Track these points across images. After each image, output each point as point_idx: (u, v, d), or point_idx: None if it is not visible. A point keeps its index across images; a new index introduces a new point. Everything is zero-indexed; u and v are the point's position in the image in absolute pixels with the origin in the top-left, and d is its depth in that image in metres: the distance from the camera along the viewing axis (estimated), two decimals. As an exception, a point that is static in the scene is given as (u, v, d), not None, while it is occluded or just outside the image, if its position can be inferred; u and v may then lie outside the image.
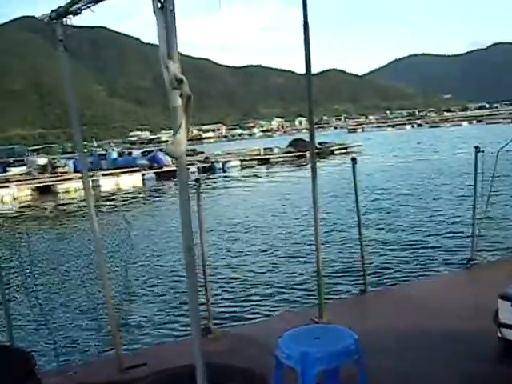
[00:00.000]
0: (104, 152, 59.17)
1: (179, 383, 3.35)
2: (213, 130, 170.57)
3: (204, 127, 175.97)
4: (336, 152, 50.40)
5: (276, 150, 52.90)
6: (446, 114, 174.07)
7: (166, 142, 70.39)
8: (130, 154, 51.60)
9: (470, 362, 4.58)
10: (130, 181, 40.22)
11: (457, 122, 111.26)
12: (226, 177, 40.12)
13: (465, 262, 7.65)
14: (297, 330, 3.69)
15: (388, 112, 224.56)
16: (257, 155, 51.34)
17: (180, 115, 2.53)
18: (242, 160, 48.84)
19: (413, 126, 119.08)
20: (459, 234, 13.24)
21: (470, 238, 7.81)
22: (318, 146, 45.62)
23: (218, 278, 11.28)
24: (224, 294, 10.40)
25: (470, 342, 4.93)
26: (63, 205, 31.43)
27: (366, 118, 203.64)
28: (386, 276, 10.53)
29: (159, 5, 2.49)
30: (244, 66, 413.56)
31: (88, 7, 3.74)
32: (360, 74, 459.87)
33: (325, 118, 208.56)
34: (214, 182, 36.22)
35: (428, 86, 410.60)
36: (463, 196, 18.50)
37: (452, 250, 12.20)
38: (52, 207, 31.42)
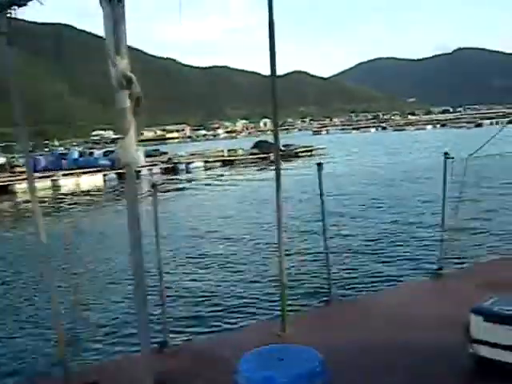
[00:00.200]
0: (66, 151, 57.89)
1: None
2: (177, 131, 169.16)
3: (168, 127, 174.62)
4: (300, 154, 50.57)
5: (240, 152, 52.69)
6: (410, 117, 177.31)
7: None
8: (91, 154, 50.46)
9: (442, 380, 4.40)
10: (91, 181, 39.42)
11: (421, 126, 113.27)
12: (189, 179, 39.59)
13: (432, 270, 7.53)
14: (259, 350, 3.44)
15: (353, 115, 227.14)
16: (221, 156, 51.07)
17: (129, 117, 2.26)
18: (205, 161, 48.51)
19: (377, 129, 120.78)
20: (426, 242, 13.03)
21: (437, 246, 7.68)
22: (283, 148, 45.59)
23: (176, 287, 10.76)
24: (182, 306, 9.83)
25: (442, 356, 4.72)
26: (19, 204, 30.62)
27: (331, 120, 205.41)
28: (351, 285, 10.21)
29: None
30: (210, 67, 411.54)
31: (35, -1, 3.44)
32: (326, 77, 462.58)
33: (289, 119, 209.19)
34: (177, 184, 35.73)
35: (393, 89, 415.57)
36: (430, 202, 18.01)
37: (419, 258, 11.96)
38: (9, 207, 30.56)
